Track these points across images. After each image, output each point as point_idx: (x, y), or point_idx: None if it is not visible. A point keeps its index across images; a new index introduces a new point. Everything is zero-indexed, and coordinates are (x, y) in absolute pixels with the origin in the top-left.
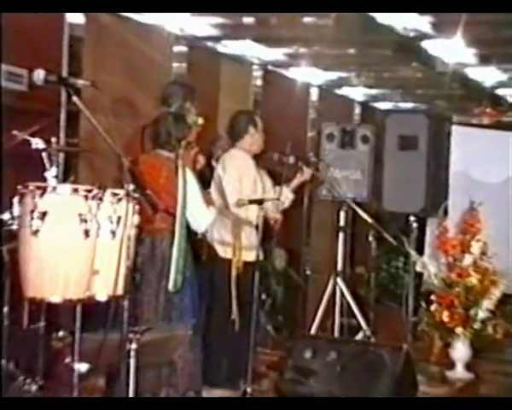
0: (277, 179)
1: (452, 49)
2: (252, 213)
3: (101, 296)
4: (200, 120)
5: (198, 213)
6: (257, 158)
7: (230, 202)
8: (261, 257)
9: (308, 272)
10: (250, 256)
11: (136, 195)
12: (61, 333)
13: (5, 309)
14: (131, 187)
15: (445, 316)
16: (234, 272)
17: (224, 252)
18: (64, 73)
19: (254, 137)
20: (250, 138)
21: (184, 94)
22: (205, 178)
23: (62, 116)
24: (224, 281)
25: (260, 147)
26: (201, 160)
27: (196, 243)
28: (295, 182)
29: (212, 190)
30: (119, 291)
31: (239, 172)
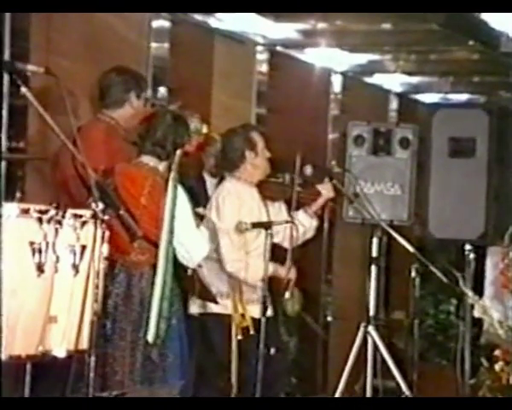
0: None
1: None
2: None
3: (60, 352)
4: (205, 129)
5: (191, 242)
6: (262, 184)
7: (226, 257)
8: (269, 313)
9: (329, 319)
10: (253, 312)
11: (107, 217)
12: None
13: None
14: (100, 207)
15: None
16: (235, 335)
17: (223, 307)
18: (6, 55)
19: (255, 162)
20: (249, 166)
21: (125, 83)
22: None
23: (4, 113)
24: (221, 341)
25: (265, 171)
26: None
27: (186, 281)
28: (318, 203)
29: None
30: (83, 345)
31: (238, 215)
